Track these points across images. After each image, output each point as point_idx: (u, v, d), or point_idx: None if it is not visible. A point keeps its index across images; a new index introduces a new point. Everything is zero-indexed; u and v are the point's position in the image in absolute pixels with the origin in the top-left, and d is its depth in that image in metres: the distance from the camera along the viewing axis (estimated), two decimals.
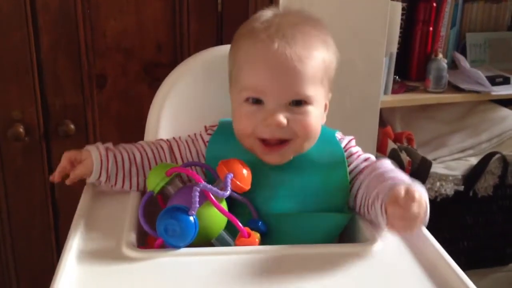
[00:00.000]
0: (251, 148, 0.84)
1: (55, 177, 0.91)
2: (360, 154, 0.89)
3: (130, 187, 0.89)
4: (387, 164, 0.86)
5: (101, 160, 0.87)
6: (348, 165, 0.87)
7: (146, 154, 0.90)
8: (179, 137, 0.93)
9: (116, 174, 0.88)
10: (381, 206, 0.76)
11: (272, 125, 0.80)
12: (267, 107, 0.81)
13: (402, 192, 0.72)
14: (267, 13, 0.85)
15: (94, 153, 0.88)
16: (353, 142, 0.90)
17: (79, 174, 0.89)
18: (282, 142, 0.82)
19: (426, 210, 0.73)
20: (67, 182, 0.91)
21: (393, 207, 0.72)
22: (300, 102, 0.81)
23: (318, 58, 0.82)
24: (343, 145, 0.89)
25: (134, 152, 0.89)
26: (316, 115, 0.83)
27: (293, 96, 0.81)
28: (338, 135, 0.91)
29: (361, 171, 0.86)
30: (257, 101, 0.81)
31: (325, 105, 0.88)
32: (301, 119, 0.81)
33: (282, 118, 0.80)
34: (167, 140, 0.93)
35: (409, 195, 0.71)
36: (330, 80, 0.86)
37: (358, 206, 0.85)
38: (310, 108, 0.82)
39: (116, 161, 0.88)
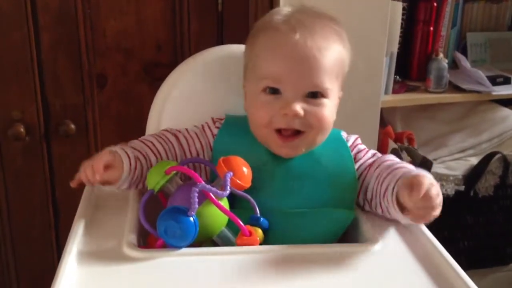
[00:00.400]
0: (266, 139, 0.85)
1: (77, 183, 0.83)
2: (368, 150, 0.90)
3: (137, 187, 0.88)
4: (392, 157, 0.88)
5: (130, 171, 0.82)
6: (357, 161, 0.88)
7: (159, 153, 0.88)
8: (186, 129, 0.92)
9: (134, 182, 0.85)
10: (391, 195, 0.77)
11: (289, 114, 0.81)
12: (284, 97, 0.82)
13: (422, 180, 0.72)
14: (285, 9, 0.87)
15: (126, 162, 0.82)
16: (359, 140, 0.92)
17: (108, 180, 0.82)
18: (296, 134, 0.83)
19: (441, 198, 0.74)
20: (74, 185, 0.84)
21: (413, 197, 0.72)
22: (316, 94, 0.82)
23: (336, 51, 0.83)
24: (350, 143, 0.90)
25: (149, 155, 0.87)
26: (330, 109, 0.84)
27: (311, 87, 0.82)
28: (344, 134, 0.92)
29: (370, 165, 0.87)
30: (275, 91, 0.82)
31: (337, 102, 0.89)
32: (317, 111, 0.82)
33: (299, 108, 0.81)
34: (173, 131, 0.92)
35: (427, 185, 0.72)
36: (343, 77, 0.88)
37: (369, 199, 0.85)
38: (325, 101, 0.83)
39: (138, 172, 0.84)
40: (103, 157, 0.81)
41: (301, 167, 0.85)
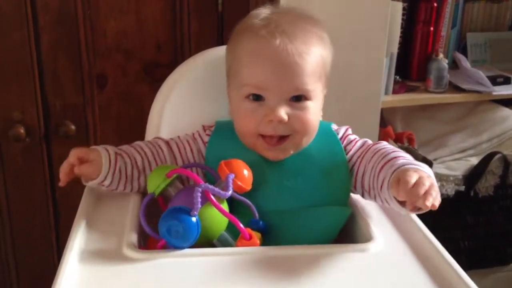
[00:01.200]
0: (253, 145, 0.85)
1: (62, 179, 0.87)
2: (358, 140, 0.90)
3: (131, 190, 0.89)
4: (385, 145, 0.87)
5: (110, 165, 0.85)
6: (347, 152, 0.88)
7: (146, 156, 0.89)
8: (178, 137, 0.93)
9: (119, 179, 0.87)
10: (388, 189, 0.77)
11: (274, 120, 0.81)
12: (268, 104, 0.82)
13: (406, 177, 0.72)
14: (264, 11, 0.87)
15: (104, 156, 0.85)
16: (350, 131, 0.92)
17: (85, 173, 0.86)
18: (282, 138, 0.83)
19: (433, 179, 0.73)
20: (62, 184, 0.88)
21: (400, 193, 0.72)
22: (300, 98, 0.82)
23: (316, 54, 0.83)
24: (340, 135, 0.90)
25: (134, 155, 0.88)
26: (315, 111, 0.85)
27: (294, 91, 0.82)
28: (334, 126, 0.92)
29: (361, 156, 0.87)
30: (258, 98, 0.82)
31: (321, 101, 0.89)
32: (301, 115, 0.82)
33: (284, 114, 0.81)
34: (165, 139, 0.93)
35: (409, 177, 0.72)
36: (326, 76, 0.87)
37: (367, 190, 0.85)
38: (309, 103, 0.83)
39: (120, 169, 0.86)
40: (77, 151, 0.86)
41: (294, 166, 0.86)
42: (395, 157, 0.81)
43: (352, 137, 0.90)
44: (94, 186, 0.87)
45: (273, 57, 0.80)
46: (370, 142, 0.89)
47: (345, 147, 0.89)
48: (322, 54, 0.84)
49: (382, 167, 0.81)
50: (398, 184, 0.73)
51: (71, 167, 0.86)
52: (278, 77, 0.81)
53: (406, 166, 0.76)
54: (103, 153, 0.85)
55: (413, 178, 0.72)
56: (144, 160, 0.88)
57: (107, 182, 0.86)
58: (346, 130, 0.91)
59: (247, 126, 0.84)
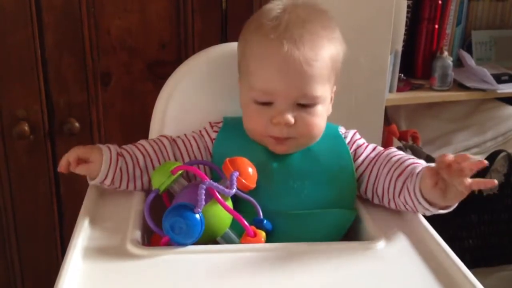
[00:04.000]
0: (260, 141, 0.87)
1: (62, 167, 0.87)
2: (368, 144, 0.90)
3: (135, 188, 0.89)
4: (396, 151, 0.87)
5: (110, 165, 0.85)
6: (358, 157, 0.88)
7: (148, 154, 0.89)
8: (184, 135, 0.93)
9: (121, 179, 0.87)
10: (414, 192, 0.77)
11: (280, 124, 0.82)
12: (276, 107, 0.83)
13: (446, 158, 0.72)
14: (276, 7, 0.85)
15: (106, 155, 0.86)
16: (358, 135, 0.92)
17: (81, 173, 0.87)
18: (288, 138, 0.84)
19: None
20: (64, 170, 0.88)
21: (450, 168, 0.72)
22: (307, 104, 0.83)
23: (325, 58, 0.83)
24: (348, 139, 0.90)
25: (136, 154, 0.89)
26: (322, 114, 0.85)
27: (301, 98, 0.82)
28: (341, 129, 0.91)
29: (372, 161, 0.87)
30: (266, 103, 0.83)
31: (331, 98, 0.89)
32: (308, 119, 0.83)
33: (290, 118, 0.82)
34: (170, 137, 0.93)
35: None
36: (337, 73, 0.87)
37: (380, 195, 0.85)
38: (317, 107, 0.84)
39: (121, 168, 0.86)
40: (79, 150, 0.86)
41: (300, 167, 0.86)
42: (412, 163, 0.82)
43: (361, 141, 0.90)
44: (97, 184, 0.88)
45: (281, 64, 0.81)
46: (380, 147, 0.90)
47: (354, 151, 0.89)
48: (332, 54, 0.84)
49: (402, 172, 0.81)
50: (436, 174, 0.73)
51: (68, 164, 0.87)
52: (286, 84, 0.81)
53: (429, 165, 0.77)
54: (105, 153, 0.86)
55: (448, 157, 0.72)
56: (146, 159, 0.88)
57: (107, 181, 0.86)
58: (354, 134, 0.91)
59: (255, 126, 0.85)
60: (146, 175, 0.89)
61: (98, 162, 0.85)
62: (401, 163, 0.83)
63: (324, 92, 0.84)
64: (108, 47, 1.34)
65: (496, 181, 0.70)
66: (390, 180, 0.83)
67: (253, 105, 0.84)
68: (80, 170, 0.86)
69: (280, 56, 0.80)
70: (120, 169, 0.86)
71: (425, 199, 0.77)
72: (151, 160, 0.89)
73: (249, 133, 0.87)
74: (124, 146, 0.90)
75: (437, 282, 0.69)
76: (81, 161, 0.86)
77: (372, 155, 0.88)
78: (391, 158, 0.85)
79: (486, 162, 0.72)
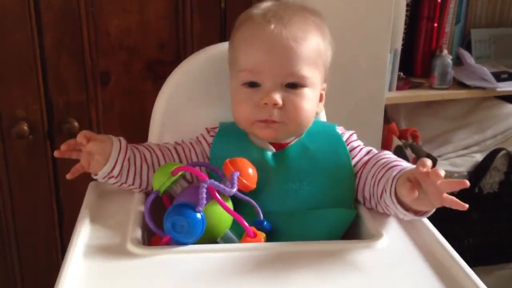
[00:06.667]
0: (249, 129, 0.86)
1: (63, 148, 0.85)
2: (362, 147, 0.89)
3: (140, 185, 0.88)
4: (388, 154, 0.86)
5: (119, 151, 0.84)
6: (352, 159, 0.87)
7: (155, 152, 0.89)
8: (182, 141, 0.93)
9: (128, 170, 0.86)
10: (390, 195, 0.76)
11: (269, 104, 0.82)
12: (263, 88, 0.83)
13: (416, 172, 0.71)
14: (264, 4, 0.88)
15: (115, 141, 0.85)
16: (354, 136, 0.91)
17: (93, 150, 0.83)
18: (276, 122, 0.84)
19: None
20: (68, 176, 0.87)
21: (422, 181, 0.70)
22: (295, 85, 0.83)
23: (313, 41, 0.84)
24: (344, 139, 0.89)
25: (143, 150, 0.89)
26: (310, 99, 0.85)
27: (289, 77, 0.82)
28: (339, 129, 0.91)
29: (364, 165, 0.86)
30: (254, 85, 0.84)
31: (321, 95, 0.90)
32: (296, 100, 0.83)
33: (278, 98, 0.82)
34: (173, 143, 0.93)
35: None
36: (326, 68, 0.88)
37: (368, 199, 0.85)
38: (306, 90, 0.84)
39: (129, 158, 0.86)
40: (85, 131, 0.84)
41: (299, 167, 0.85)
42: (395, 165, 0.80)
43: (356, 143, 0.89)
44: (102, 179, 0.86)
45: (267, 41, 0.82)
46: (375, 151, 0.88)
47: (349, 153, 0.88)
48: (319, 43, 0.85)
49: (383, 175, 0.80)
50: (409, 180, 0.72)
51: (76, 143, 0.84)
52: (272, 60, 0.82)
53: (410, 168, 0.76)
54: (115, 139, 0.85)
55: (426, 166, 0.70)
56: (153, 155, 0.89)
57: (116, 171, 0.84)
58: (351, 135, 0.90)
59: (243, 112, 0.85)
60: (152, 171, 0.88)
61: (107, 144, 0.84)
62: (384, 166, 0.82)
63: (312, 75, 0.84)
64: (107, 47, 1.34)
65: (466, 205, 0.68)
66: (375, 182, 0.82)
67: (241, 91, 0.84)
68: (92, 146, 0.83)
69: (266, 34, 0.81)
70: (129, 159, 0.86)
71: (399, 202, 0.75)
72: (157, 157, 0.89)
73: (238, 123, 0.87)
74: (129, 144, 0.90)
75: (438, 280, 0.68)
76: (91, 140, 0.84)
77: (366, 158, 0.87)
78: (378, 161, 0.84)
79: (467, 183, 0.70)
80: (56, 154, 0.87)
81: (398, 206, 0.76)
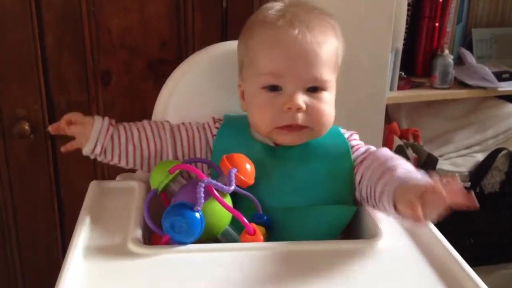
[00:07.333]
0: (269, 136, 0.85)
1: (50, 129, 0.91)
2: (360, 146, 0.89)
3: (127, 164, 0.90)
4: (386, 152, 0.85)
5: (100, 131, 0.88)
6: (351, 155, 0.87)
7: (145, 131, 0.90)
8: (189, 122, 0.93)
9: (112, 150, 0.89)
10: (389, 204, 0.74)
11: (293, 108, 0.81)
12: (285, 92, 0.82)
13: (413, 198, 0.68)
14: (276, 4, 0.87)
15: (97, 121, 0.88)
16: (355, 136, 0.91)
17: (74, 132, 0.89)
18: (299, 127, 0.83)
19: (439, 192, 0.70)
20: (62, 149, 0.93)
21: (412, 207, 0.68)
22: (316, 89, 0.83)
23: (332, 45, 0.84)
24: (346, 137, 0.89)
25: (132, 129, 0.90)
26: (330, 102, 0.85)
27: (312, 81, 0.82)
28: (342, 130, 0.91)
29: (361, 163, 0.85)
30: (275, 88, 0.83)
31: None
32: (318, 105, 0.83)
33: (302, 102, 0.81)
34: (173, 124, 0.93)
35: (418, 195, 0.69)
36: (338, 71, 0.88)
37: (365, 199, 0.84)
38: (325, 94, 0.84)
39: (112, 137, 0.88)
40: (70, 114, 0.90)
41: (299, 163, 0.85)
42: (394, 165, 0.78)
43: (355, 142, 0.89)
44: (89, 154, 0.89)
45: (293, 46, 0.81)
46: (373, 148, 0.88)
47: (349, 148, 0.88)
48: (337, 46, 0.86)
49: (380, 177, 0.79)
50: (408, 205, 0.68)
51: (59, 129, 0.90)
52: (297, 64, 0.81)
53: (402, 186, 0.72)
54: (97, 118, 0.89)
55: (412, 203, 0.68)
56: (142, 135, 0.90)
57: (98, 149, 0.88)
58: (351, 135, 0.90)
59: (265, 117, 0.83)
60: (139, 151, 0.89)
61: (90, 125, 0.88)
62: (382, 165, 0.80)
63: (331, 79, 0.84)
64: (108, 46, 1.34)
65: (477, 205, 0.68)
66: (372, 183, 0.80)
67: (261, 94, 0.83)
68: (74, 128, 0.89)
69: (291, 37, 0.81)
70: (112, 137, 0.88)
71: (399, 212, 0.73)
72: (147, 137, 0.90)
73: (256, 127, 0.86)
74: (123, 123, 0.92)
75: (439, 280, 0.68)
76: (73, 123, 0.89)
77: (362, 157, 0.86)
78: (376, 159, 0.83)
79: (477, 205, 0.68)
80: (50, 129, 0.92)
81: (398, 216, 0.74)
